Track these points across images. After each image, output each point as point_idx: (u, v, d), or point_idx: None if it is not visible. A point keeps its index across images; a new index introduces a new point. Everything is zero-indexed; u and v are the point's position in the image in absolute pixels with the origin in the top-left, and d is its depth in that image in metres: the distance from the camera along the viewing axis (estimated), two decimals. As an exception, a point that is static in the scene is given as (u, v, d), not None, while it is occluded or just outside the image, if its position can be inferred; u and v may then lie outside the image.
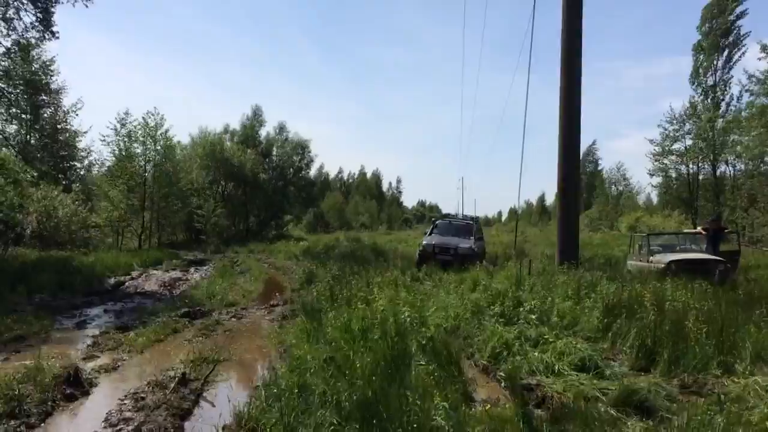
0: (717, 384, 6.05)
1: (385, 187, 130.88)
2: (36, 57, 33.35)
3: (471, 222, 22.25)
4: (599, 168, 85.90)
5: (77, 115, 47.01)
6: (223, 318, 11.98)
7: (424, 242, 20.07)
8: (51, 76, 35.56)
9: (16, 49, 21.42)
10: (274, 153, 50.84)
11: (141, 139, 33.53)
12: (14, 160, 25.51)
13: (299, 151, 51.34)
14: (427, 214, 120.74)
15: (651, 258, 16.95)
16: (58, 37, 21.80)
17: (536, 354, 7.20)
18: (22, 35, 21.11)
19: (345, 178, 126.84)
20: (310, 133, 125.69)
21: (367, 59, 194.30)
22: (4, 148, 25.02)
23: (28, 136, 35.18)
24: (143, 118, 33.53)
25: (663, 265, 15.70)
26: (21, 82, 21.54)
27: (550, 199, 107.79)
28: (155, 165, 33.55)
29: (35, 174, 31.82)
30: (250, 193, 47.46)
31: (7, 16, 20.44)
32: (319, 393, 5.23)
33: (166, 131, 34.17)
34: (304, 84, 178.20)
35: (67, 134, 36.66)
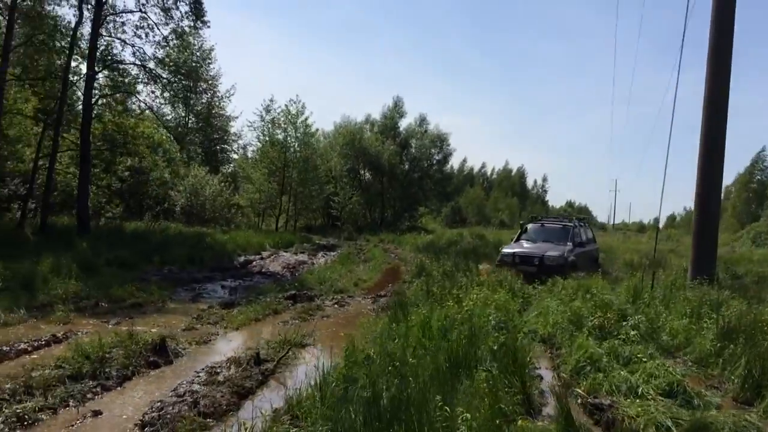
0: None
1: (529, 184, 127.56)
2: (198, 46, 36.24)
3: (570, 224, 18.74)
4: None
5: (230, 100, 50.27)
6: (326, 304, 12.21)
7: (503, 251, 17.29)
8: (210, 63, 38.43)
9: (173, 37, 23.23)
10: (413, 145, 51.20)
11: (283, 125, 35.23)
12: (169, 140, 27.84)
13: (438, 144, 51.33)
14: (575, 215, 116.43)
15: (805, 278, 15.13)
16: (209, 26, 23.48)
17: (623, 373, 6.61)
18: (178, 24, 22.90)
19: (488, 173, 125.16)
20: (456, 126, 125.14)
21: (520, 51, 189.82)
22: (162, 129, 27.26)
23: (186, 119, 38.28)
24: (285, 105, 35.22)
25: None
26: (175, 68, 23.31)
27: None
28: (294, 151, 35.05)
29: (188, 155, 34.70)
30: (387, 184, 48.21)
31: (166, 5, 22.23)
32: (360, 388, 5.12)
33: (306, 119, 35.62)
34: (451, 76, 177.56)
35: (221, 119, 39.32)
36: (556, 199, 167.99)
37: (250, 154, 38.96)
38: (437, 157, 52.14)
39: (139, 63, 22.87)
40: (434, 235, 32.08)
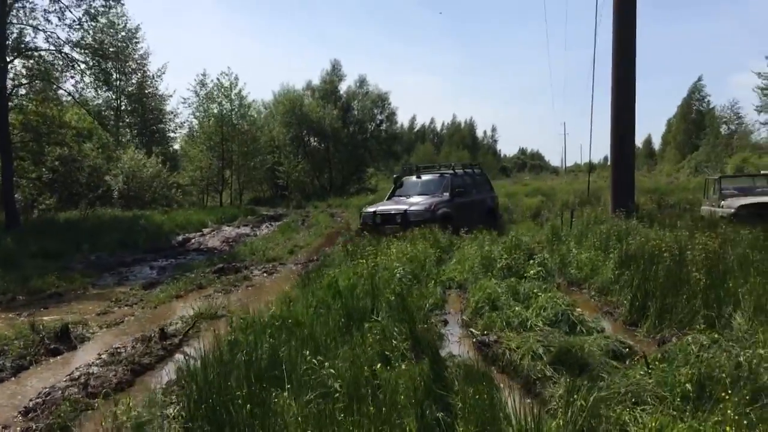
0: (690, 340, 5.50)
1: (480, 136, 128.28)
2: (122, 26, 35.14)
3: (448, 173, 16.84)
4: (711, 107, 79.64)
5: (162, 79, 49.02)
6: (254, 273, 12.24)
7: (364, 211, 16.08)
8: (137, 42, 37.35)
9: (87, 18, 22.42)
10: (355, 107, 50.93)
11: (217, 99, 34.62)
12: (98, 126, 27.12)
13: (379, 104, 51.17)
14: (528, 161, 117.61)
15: (723, 202, 15.75)
16: (123, 4, 22.77)
17: (517, 309, 6.86)
18: (90, 4, 22.09)
19: (438, 128, 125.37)
20: (404, 84, 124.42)
21: (463, 4, 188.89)
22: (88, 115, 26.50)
23: (118, 102, 37.28)
24: (218, 78, 34.57)
25: (733, 210, 14.60)
26: (92, 50, 22.58)
27: (658, 142, 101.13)
28: (231, 124, 34.53)
29: (121, 138, 33.90)
30: (332, 148, 48.00)
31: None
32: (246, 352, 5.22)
33: (240, 91, 35.07)
34: (396, 34, 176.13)
35: (154, 98, 38.42)
36: (508, 148, 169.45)
37: (187, 132, 38.29)
38: (380, 117, 52.04)
39: (54, 48, 22.08)
40: (376, 195, 32.20)
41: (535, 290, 7.46)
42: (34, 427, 4.73)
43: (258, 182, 42.06)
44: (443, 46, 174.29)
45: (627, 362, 5.07)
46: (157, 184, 28.76)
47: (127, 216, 22.80)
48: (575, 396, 3.62)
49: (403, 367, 5.09)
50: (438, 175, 17.09)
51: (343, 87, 51.97)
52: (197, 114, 35.36)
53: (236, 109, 34.84)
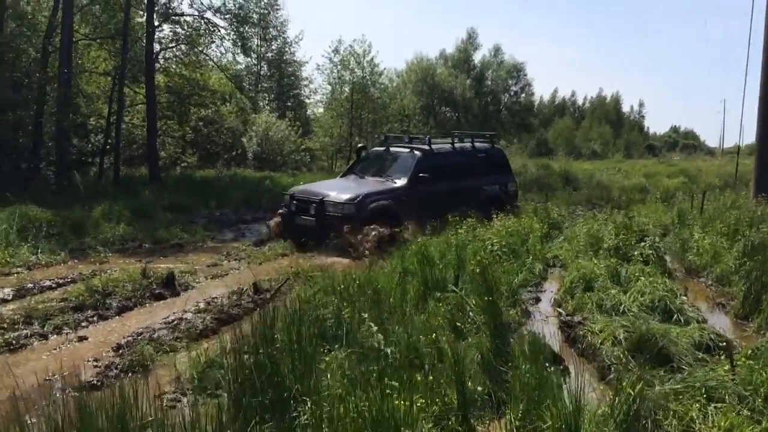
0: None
1: (625, 111, 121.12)
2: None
3: (421, 148, 12.45)
4: None
5: (300, 45, 50.58)
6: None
7: (289, 193, 12.07)
8: (278, 10, 38.86)
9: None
10: (488, 77, 49.86)
11: (350, 66, 35.19)
12: (236, 90, 28.65)
13: (514, 75, 49.72)
14: (680, 140, 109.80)
15: None
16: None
17: (613, 292, 6.44)
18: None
19: (579, 102, 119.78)
20: (543, 56, 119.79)
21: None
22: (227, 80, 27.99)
23: (258, 67, 39.03)
24: (350, 46, 35.09)
25: None
26: (232, 16, 23.82)
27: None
28: (362, 91, 35.02)
29: (260, 102, 35.52)
30: (462, 119, 47.41)
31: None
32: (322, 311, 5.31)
33: (372, 58, 35.40)
34: (536, 2, 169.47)
35: (292, 64, 39.84)
36: (658, 126, 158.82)
37: (320, 98, 39.36)
38: (515, 88, 50.60)
39: (197, 14, 23.45)
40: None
41: (636, 273, 6.95)
42: (117, 362, 5.12)
43: (388, 150, 42.46)
44: (587, 15, 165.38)
45: (717, 357, 4.60)
46: (288, 148, 29.88)
47: (256, 177, 23.90)
48: (623, 384, 3.31)
49: (470, 340, 4.97)
50: (408, 150, 12.57)
51: (477, 57, 51.01)
52: (330, 81, 36.28)
53: (368, 77, 35.28)
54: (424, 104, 45.97)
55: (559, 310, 6.43)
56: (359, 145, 15.08)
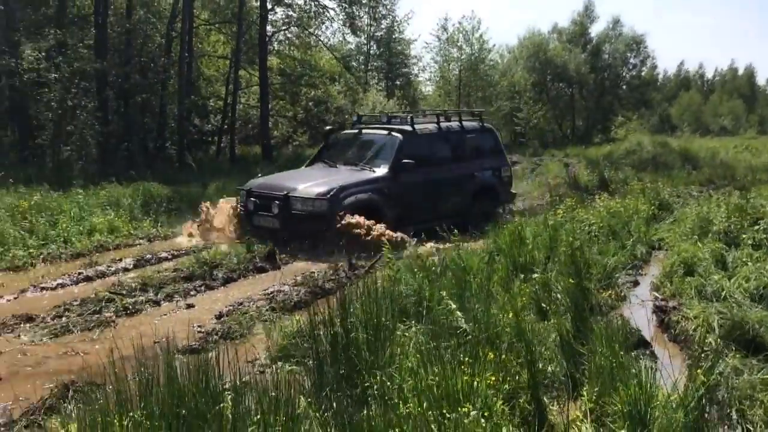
0: None
1: (761, 83, 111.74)
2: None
3: (403, 129, 10.54)
4: None
5: (409, 24, 50.60)
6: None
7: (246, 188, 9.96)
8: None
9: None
10: (605, 51, 47.58)
11: (458, 44, 34.95)
12: (344, 69, 29.28)
13: (633, 48, 47.08)
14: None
15: None
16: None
17: (715, 277, 6.12)
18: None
19: (709, 75, 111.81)
20: (667, 27, 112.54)
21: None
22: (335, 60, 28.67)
23: (368, 47, 39.55)
24: (459, 22, 34.82)
25: None
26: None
27: None
28: (470, 69, 34.70)
29: (369, 81, 36.01)
30: (576, 95, 45.69)
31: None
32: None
33: (481, 35, 34.94)
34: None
35: (400, 43, 40.04)
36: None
37: (428, 76, 39.40)
38: (634, 62, 47.95)
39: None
40: (613, 146, 30.20)
41: (743, 259, 6.56)
42: (218, 328, 5.52)
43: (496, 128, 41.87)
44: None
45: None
46: (395, 126, 30.26)
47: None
48: (697, 371, 3.21)
49: (552, 321, 4.95)
50: (385, 132, 10.63)
51: (593, 30, 48.78)
52: (437, 59, 36.22)
53: (476, 54, 34.90)
54: (536, 80, 44.71)
55: (656, 294, 6.20)
56: (327, 127, 12.64)
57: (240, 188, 10.17)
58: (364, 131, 11.19)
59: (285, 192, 9.08)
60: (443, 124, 11.24)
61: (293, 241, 8.84)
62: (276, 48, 24.84)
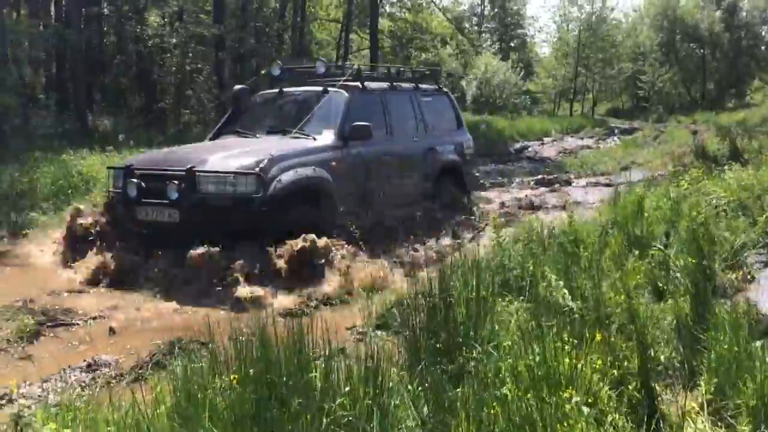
0: None
1: None
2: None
3: (343, 90, 7.35)
4: None
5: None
6: (569, 188, 11.94)
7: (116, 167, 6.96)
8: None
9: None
10: (743, 8, 43.60)
11: (578, 2, 33.33)
12: (456, 32, 28.74)
13: (776, 3, 42.90)
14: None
15: None
16: None
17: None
18: None
19: None
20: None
21: None
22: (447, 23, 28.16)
23: (482, 7, 38.65)
24: (579, -20, 33.12)
25: None
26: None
27: None
28: (591, 29, 32.99)
29: (482, 43, 35.20)
30: (708, 56, 42.39)
31: None
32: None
33: (604, -7, 33.08)
34: None
35: (516, 2, 38.79)
36: None
37: (545, 37, 37.94)
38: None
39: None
40: (748, 112, 27.82)
41: None
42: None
43: (616, 92, 39.77)
44: None
45: None
46: (508, 91, 29.38)
47: (473, 121, 23.89)
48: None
49: (669, 302, 4.59)
50: (320, 90, 7.46)
51: (732, -16, 44.89)
52: (556, 19, 34.72)
53: (598, 12, 33.09)
54: (663, 40, 41.90)
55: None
56: (236, 86, 8.69)
57: (112, 167, 7.10)
58: (293, 89, 8.13)
59: (188, 166, 5.88)
60: (397, 84, 8.47)
61: (198, 245, 5.52)
62: (387, 10, 24.68)
